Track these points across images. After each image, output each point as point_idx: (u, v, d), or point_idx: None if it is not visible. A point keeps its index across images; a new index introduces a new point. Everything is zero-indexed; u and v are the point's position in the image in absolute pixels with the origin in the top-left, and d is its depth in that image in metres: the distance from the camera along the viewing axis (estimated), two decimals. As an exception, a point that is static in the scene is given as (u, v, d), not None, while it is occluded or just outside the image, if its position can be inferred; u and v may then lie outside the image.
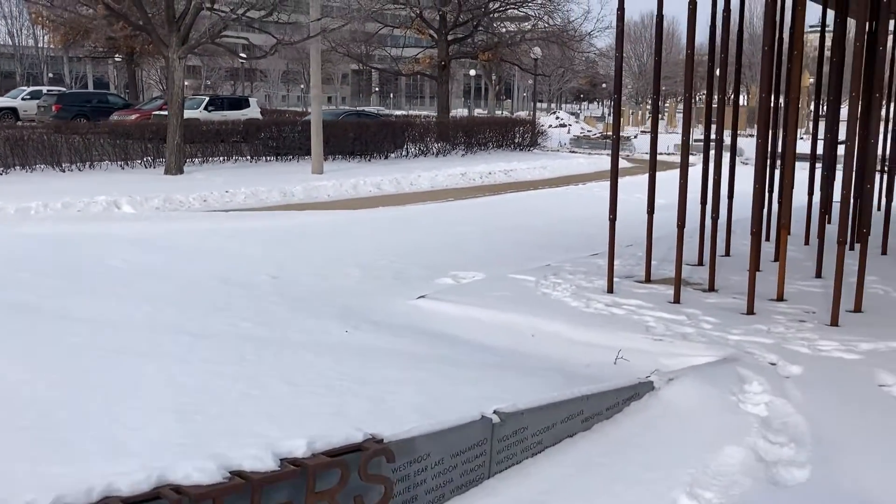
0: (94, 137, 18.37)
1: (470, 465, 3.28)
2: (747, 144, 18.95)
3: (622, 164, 23.92)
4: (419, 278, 8.08)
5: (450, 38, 29.70)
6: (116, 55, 42.36)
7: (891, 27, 9.38)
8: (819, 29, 9.30)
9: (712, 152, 7.43)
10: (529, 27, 32.96)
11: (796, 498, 3.29)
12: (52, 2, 25.97)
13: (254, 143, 21.05)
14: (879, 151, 8.92)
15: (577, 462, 3.53)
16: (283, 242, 9.96)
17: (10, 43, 65.06)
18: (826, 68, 8.49)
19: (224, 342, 4.96)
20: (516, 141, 28.17)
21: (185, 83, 18.42)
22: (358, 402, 3.80)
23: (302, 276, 7.73)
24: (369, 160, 22.26)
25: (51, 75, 64.99)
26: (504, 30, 33.81)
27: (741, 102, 40.87)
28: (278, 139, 21.53)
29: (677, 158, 15.43)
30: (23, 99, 35.03)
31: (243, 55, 25.53)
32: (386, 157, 22.98)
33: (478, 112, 59.62)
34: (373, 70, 46.18)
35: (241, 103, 31.56)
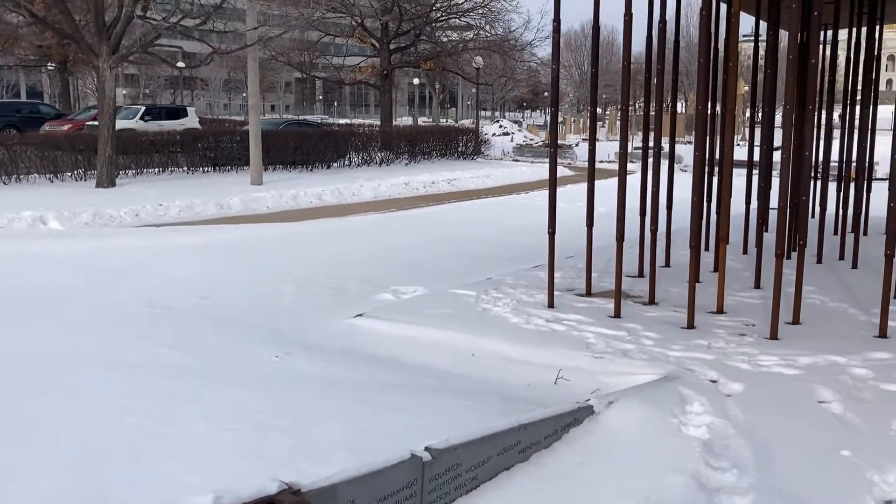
0: (20, 149, 17.61)
1: (400, 507, 3.07)
2: (687, 152, 19.20)
3: (564, 172, 24.10)
4: (358, 294, 7.84)
5: (392, 47, 29.52)
6: (49, 64, 40.96)
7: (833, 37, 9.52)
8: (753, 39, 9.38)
9: (653, 161, 7.39)
10: (471, 36, 33.00)
11: (739, 527, 3.17)
12: (-25, 8, 24.92)
13: (191, 154, 20.49)
14: (814, 159, 9.04)
15: (515, 498, 3.35)
16: (217, 259, 9.60)
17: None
18: (760, 77, 8.56)
19: (141, 374, 4.65)
20: (460, 150, 28.10)
21: (124, 92, 17.86)
22: (282, 438, 3.56)
23: (234, 296, 7.41)
24: (311, 170, 21.90)
25: (-19, 85, 62.63)
26: (446, 39, 33.78)
27: (680, 110, 41.68)
28: (216, 149, 21.00)
29: (613, 167, 15.50)
30: (-51, 110, 33.56)
31: (181, 64, 24.92)
32: (328, 167, 22.64)
33: (422, 121, 59.54)
34: (316, 79, 45.69)
35: (179, 113, 30.78)
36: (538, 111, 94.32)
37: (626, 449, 3.79)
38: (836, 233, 9.12)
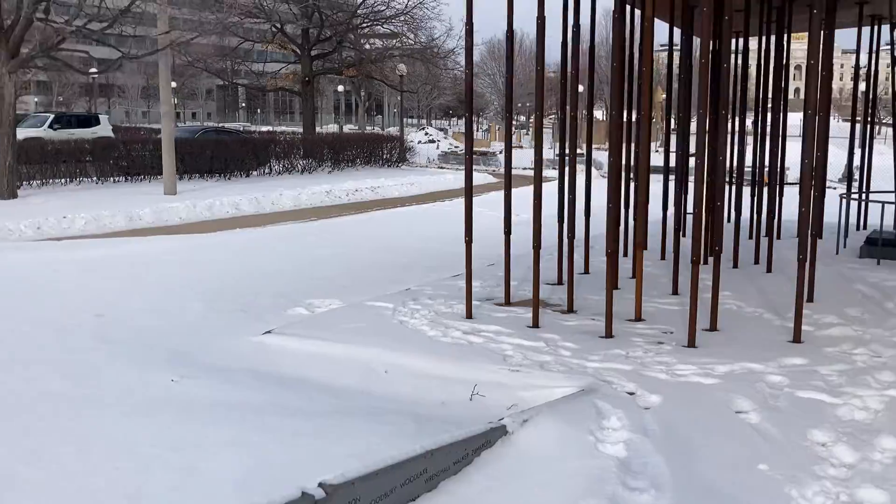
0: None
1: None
2: (606, 158, 19.40)
3: (489, 179, 24.12)
4: (271, 309, 7.49)
5: (313, 53, 29.01)
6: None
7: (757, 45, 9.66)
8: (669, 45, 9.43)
9: (569, 167, 7.30)
10: (396, 44, 32.78)
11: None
12: None
13: (102, 164, 19.60)
14: (728, 164, 9.14)
15: (419, 532, 3.11)
16: (120, 274, 9.05)
17: None
18: (676, 84, 8.60)
19: (15, 405, 4.22)
20: (385, 157, 27.82)
21: (35, 100, 16.88)
22: (165, 475, 3.22)
23: (134, 314, 6.95)
24: (229, 179, 21.26)
25: None
26: (370, 46, 33.45)
27: (601, 117, 42.38)
28: (129, 158, 20.16)
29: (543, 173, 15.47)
30: None
31: (94, 70, 23.88)
32: (247, 176, 22.02)
33: (349, 128, 58.97)
34: (238, 86, 44.63)
35: (91, 121, 29.50)
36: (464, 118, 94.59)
37: (539, 471, 3.60)
38: (750, 237, 9.25)
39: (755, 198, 9.07)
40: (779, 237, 9.28)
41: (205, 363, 5.48)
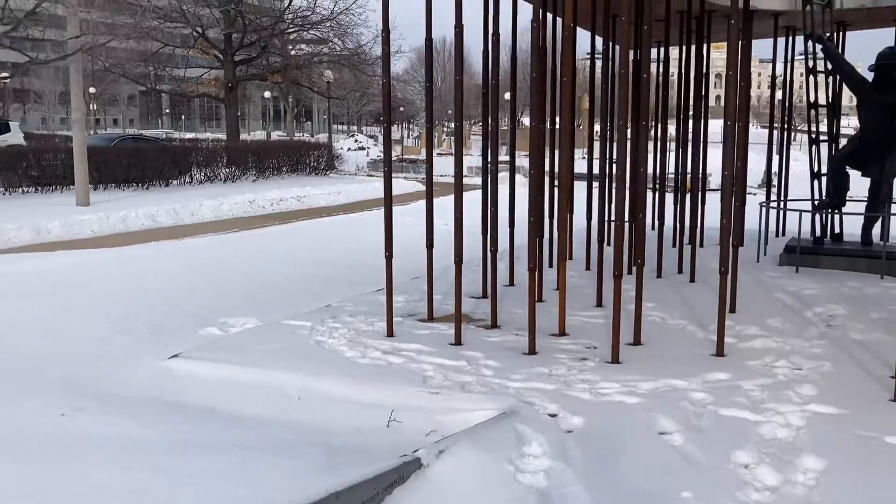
0: None
1: None
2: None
3: (418, 187, 23.87)
4: (182, 330, 7.10)
5: (237, 59, 28.32)
6: None
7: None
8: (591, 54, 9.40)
9: (491, 177, 7.14)
10: (325, 50, 32.28)
11: None
12: None
13: (10, 173, 18.61)
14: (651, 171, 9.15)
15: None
16: (16, 294, 8.47)
17: None
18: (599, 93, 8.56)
19: None
20: (312, 165, 27.32)
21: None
22: (35, 533, 2.87)
23: (26, 340, 6.46)
24: (147, 189, 20.47)
25: None
26: (298, 52, 32.86)
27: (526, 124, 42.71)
28: (39, 168, 19.20)
29: (468, 181, 15.38)
30: None
31: (5, 74, 22.73)
32: (167, 185, 21.27)
33: (277, 135, 57.92)
34: (161, 92, 43.28)
35: (0, 128, 28.18)
36: (395, 126, 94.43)
37: (455, 508, 3.38)
38: (674, 245, 9.27)
39: (678, 206, 9.11)
40: (702, 245, 9.34)
41: (103, 393, 5.08)
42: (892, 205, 9.04)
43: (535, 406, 4.52)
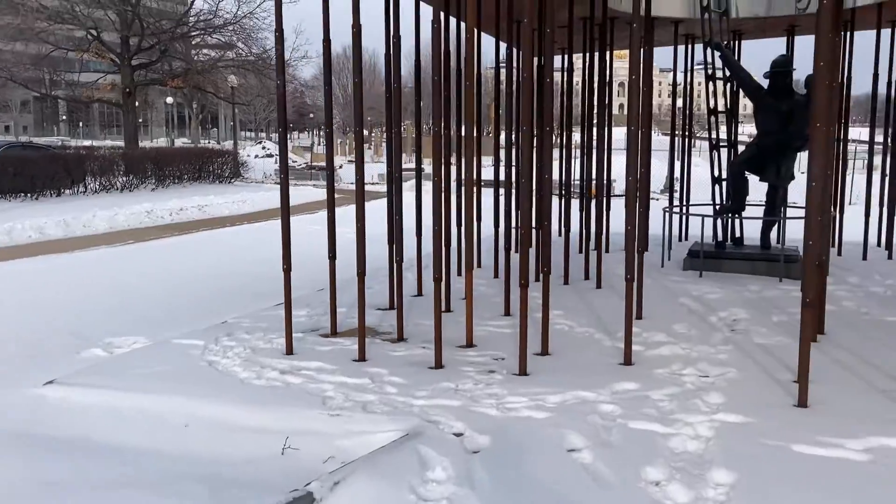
0: None
1: None
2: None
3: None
4: (62, 352, 6.57)
5: (134, 63, 27.14)
6: None
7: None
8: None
9: (395, 185, 6.89)
10: (230, 55, 31.33)
11: None
12: None
13: None
14: (557, 178, 9.11)
15: None
16: None
17: None
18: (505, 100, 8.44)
19: None
20: (216, 173, 26.43)
21: None
22: None
23: None
24: (37, 199, 19.31)
25: None
26: (202, 57, 31.77)
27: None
28: (-87, 179, 17.85)
29: (383, 188, 15.08)
30: None
31: None
32: (58, 195, 20.12)
33: (182, 142, 56.06)
34: (56, 98, 41.11)
35: None
36: (305, 132, 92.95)
37: (350, 546, 3.10)
38: (580, 251, 9.25)
39: (583, 212, 9.10)
40: (608, 251, 9.36)
41: (-39, 428, 4.55)
42: (788, 208, 9.30)
43: (440, 425, 4.29)
